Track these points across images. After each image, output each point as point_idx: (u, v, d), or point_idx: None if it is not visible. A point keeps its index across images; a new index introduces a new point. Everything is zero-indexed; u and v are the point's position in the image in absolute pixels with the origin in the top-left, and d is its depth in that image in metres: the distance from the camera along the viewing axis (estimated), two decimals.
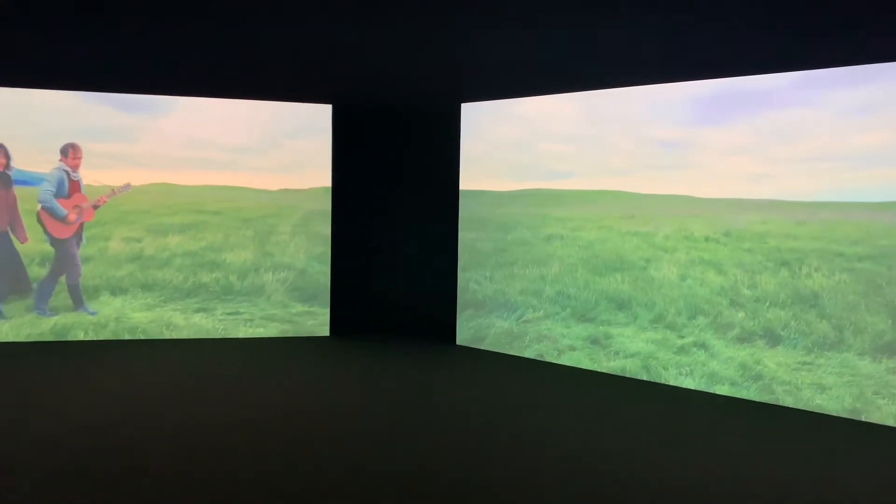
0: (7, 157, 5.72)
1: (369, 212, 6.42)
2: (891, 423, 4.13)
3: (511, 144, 5.76)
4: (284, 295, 6.27)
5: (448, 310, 6.15)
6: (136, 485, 3.11)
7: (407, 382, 4.92)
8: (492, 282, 5.91)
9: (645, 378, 5.06)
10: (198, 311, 6.12)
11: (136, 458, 3.40)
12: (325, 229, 6.31)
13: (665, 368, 4.98)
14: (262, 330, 6.18)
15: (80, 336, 5.90)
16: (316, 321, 6.30)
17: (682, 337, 4.94)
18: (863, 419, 4.21)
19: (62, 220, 5.84)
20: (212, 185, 6.11)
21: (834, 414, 4.30)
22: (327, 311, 6.31)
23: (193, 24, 5.71)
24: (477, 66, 5.77)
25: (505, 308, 5.83)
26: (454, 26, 5.64)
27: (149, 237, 6.06)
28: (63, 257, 5.90)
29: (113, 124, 5.88)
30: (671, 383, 4.94)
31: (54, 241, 5.89)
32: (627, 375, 5.13)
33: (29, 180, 5.80)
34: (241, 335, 6.14)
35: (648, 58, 4.94)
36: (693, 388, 4.84)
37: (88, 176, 5.89)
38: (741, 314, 4.69)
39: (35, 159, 5.78)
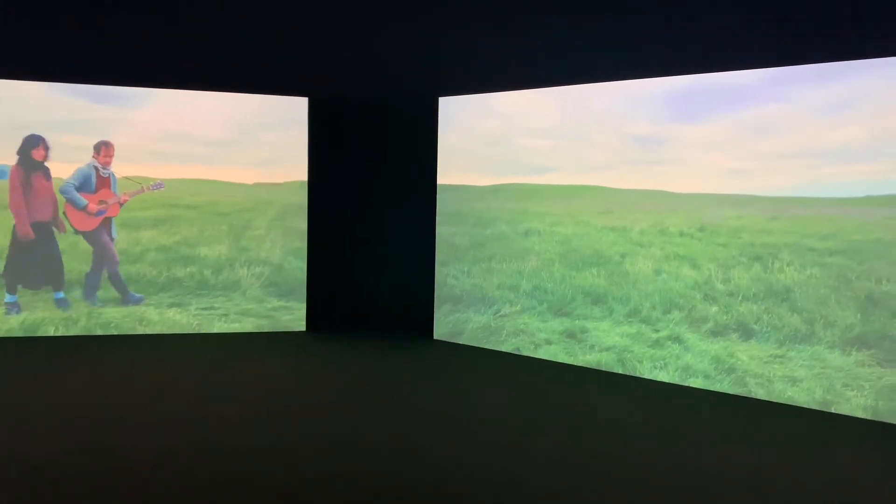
0: (46, 148, 5.67)
1: (346, 206, 6.38)
2: (860, 414, 4.22)
3: (489, 139, 5.76)
4: (260, 290, 6.22)
5: (425, 304, 6.15)
6: (104, 483, 3.07)
7: (384, 378, 4.91)
8: (469, 276, 5.92)
9: (620, 371, 5.10)
10: (172, 306, 6.04)
11: (106, 456, 3.35)
12: (302, 224, 6.26)
13: (640, 362, 5.04)
14: (237, 325, 6.12)
15: (51, 332, 5.79)
16: (292, 316, 6.26)
17: (657, 331, 4.99)
18: (833, 411, 4.30)
19: (83, 210, 5.79)
20: (186, 179, 6.02)
21: (805, 406, 4.38)
22: (303, 306, 6.27)
23: (167, 15, 5.62)
24: (454, 59, 5.76)
25: (482, 303, 5.84)
26: (431, 19, 5.62)
27: (121, 231, 5.96)
28: (96, 249, 5.88)
29: (83, 116, 5.76)
30: (646, 376, 4.99)
31: (83, 235, 5.86)
32: (603, 369, 5.18)
33: None
34: (216, 330, 6.07)
35: (626, 53, 4.97)
36: (667, 381, 4.90)
37: (119, 171, 5.88)
38: (715, 308, 4.75)
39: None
